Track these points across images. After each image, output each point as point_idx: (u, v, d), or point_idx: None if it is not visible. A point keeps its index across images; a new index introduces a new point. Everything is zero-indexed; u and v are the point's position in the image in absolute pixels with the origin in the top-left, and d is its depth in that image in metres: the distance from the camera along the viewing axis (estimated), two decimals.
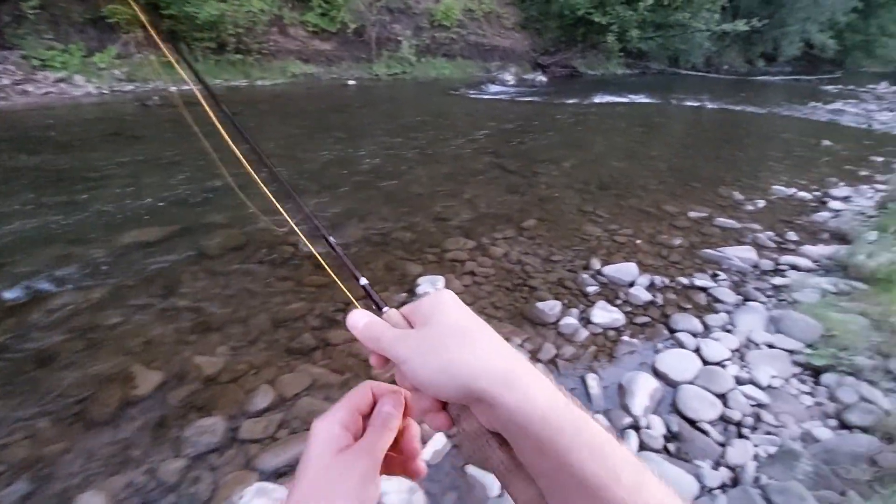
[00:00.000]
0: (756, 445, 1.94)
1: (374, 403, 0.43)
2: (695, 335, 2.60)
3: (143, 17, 0.96)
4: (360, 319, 0.42)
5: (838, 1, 21.37)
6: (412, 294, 2.97)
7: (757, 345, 2.50)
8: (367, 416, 0.42)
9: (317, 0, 12.70)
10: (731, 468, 1.84)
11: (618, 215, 4.46)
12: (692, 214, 4.50)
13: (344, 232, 3.91)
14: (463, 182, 5.27)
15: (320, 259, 0.60)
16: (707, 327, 2.71)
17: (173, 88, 10.41)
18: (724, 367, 2.34)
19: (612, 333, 2.67)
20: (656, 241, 3.90)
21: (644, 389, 2.15)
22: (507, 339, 0.39)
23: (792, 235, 4.10)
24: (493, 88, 13.42)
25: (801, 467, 1.73)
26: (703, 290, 3.15)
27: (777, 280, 3.29)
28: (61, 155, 5.54)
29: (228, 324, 2.69)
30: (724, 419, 2.05)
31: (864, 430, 2.01)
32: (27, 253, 3.32)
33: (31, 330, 2.56)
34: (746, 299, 3.03)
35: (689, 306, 2.98)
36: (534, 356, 2.51)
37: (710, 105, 12.07)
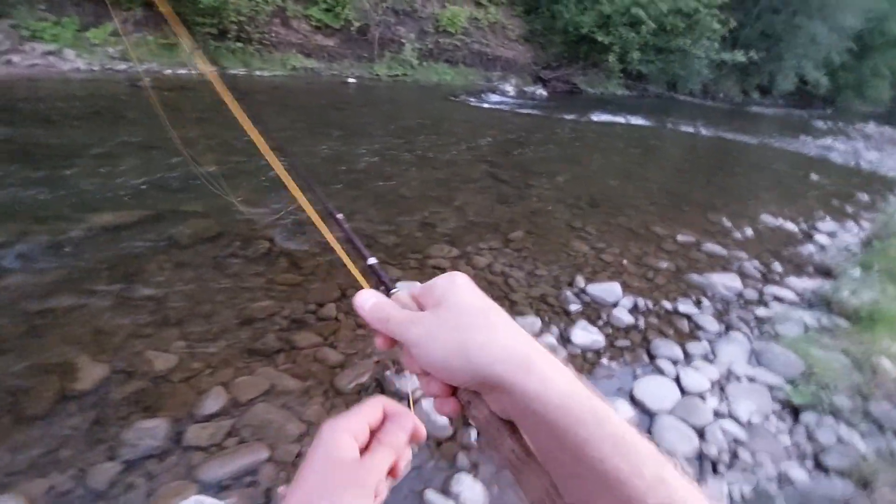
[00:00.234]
0: (731, 484, 1.85)
1: (383, 420, 0.42)
2: (675, 363, 2.52)
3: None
4: (367, 299, 0.41)
5: (834, 41, 21.86)
6: None
7: (738, 377, 2.42)
8: (374, 431, 0.41)
9: None
10: None
11: (606, 233, 4.39)
12: (680, 238, 4.45)
13: (331, 226, 3.77)
14: (454, 189, 5.17)
15: (329, 235, 0.57)
16: (688, 355, 2.63)
17: (168, 71, 10.25)
18: (703, 398, 2.25)
19: (590, 355, 2.58)
20: (643, 263, 3.84)
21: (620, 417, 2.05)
22: None
23: (777, 266, 4.07)
24: (494, 98, 13.40)
25: None
26: (687, 316, 3.08)
27: (761, 311, 3.23)
28: (39, 128, 5.34)
29: (189, 318, 2.54)
30: (700, 454, 1.96)
31: (841, 473, 1.94)
32: None
33: None
34: (729, 328, 2.97)
35: (671, 332, 2.90)
36: None
37: (704, 131, 12.17)
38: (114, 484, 1.62)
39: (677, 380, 2.37)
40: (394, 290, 0.43)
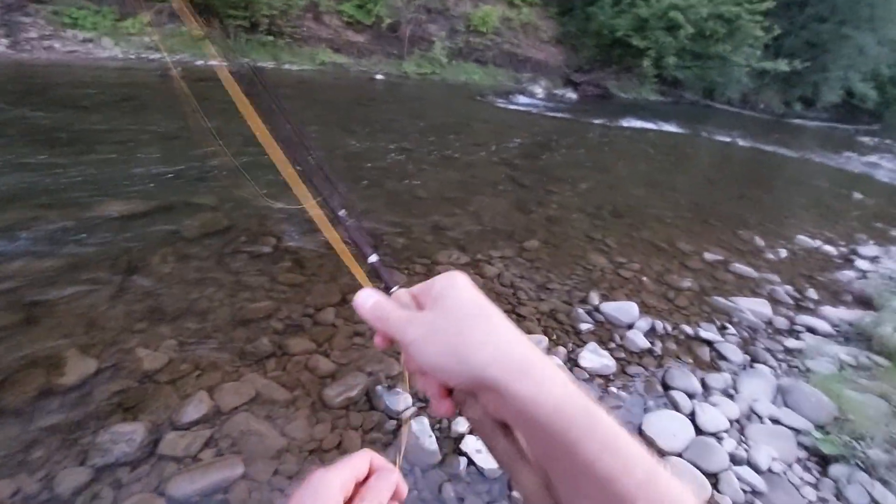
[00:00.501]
0: None
1: (370, 474, 0.43)
2: (692, 396, 2.32)
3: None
4: (367, 299, 0.41)
5: (883, 52, 20.71)
6: None
7: (760, 418, 2.21)
8: (359, 484, 0.42)
9: None
10: None
11: (627, 247, 4.18)
12: (707, 256, 4.20)
13: (339, 227, 3.69)
14: (472, 192, 5.03)
15: (330, 232, 0.57)
16: (707, 388, 2.43)
17: (199, 62, 10.42)
18: (720, 439, 2.06)
19: (599, 381, 2.41)
20: (664, 281, 3.62)
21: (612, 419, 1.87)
22: None
23: (812, 293, 3.78)
24: (522, 100, 13.17)
25: None
26: (708, 343, 2.86)
27: (791, 342, 2.98)
28: (65, 113, 5.43)
29: (185, 315, 2.48)
30: None
31: None
32: None
33: None
34: (754, 360, 2.74)
35: (689, 360, 2.69)
36: None
37: (741, 142, 11.66)
38: (79, 492, 1.55)
39: (692, 416, 2.17)
40: (394, 289, 0.43)
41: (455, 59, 14.99)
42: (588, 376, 2.42)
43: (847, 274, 4.33)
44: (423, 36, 14.37)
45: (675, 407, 2.24)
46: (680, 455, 1.95)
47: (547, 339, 2.64)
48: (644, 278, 3.60)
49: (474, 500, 1.70)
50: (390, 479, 0.42)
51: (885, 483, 1.86)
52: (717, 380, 2.48)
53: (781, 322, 3.23)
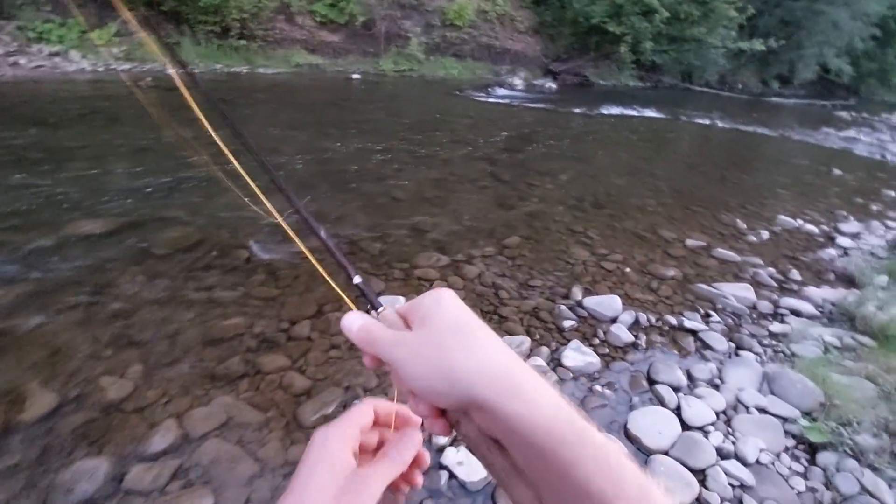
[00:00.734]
0: None
1: (376, 421, 0.43)
2: (677, 390, 2.28)
3: None
4: (354, 322, 0.41)
5: (857, 27, 20.90)
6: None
7: (746, 408, 2.18)
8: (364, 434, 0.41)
9: None
10: None
11: (609, 238, 4.14)
12: (689, 242, 4.18)
13: (311, 237, 3.59)
14: (450, 190, 4.96)
15: (309, 255, 0.55)
16: (692, 380, 2.40)
17: (171, 70, 10.19)
18: (706, 433, 2.02)
19: (583, 380, 2.36)
20: (647, 271, 3.59)
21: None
22: None
23: (795, 274, 3.78)
24: (501, 92, 13.09)
25: None
26: (693, 333, 2.83)
27: (775, 326, 2.97)
28: (34, 131, 5.26)
29: (154, 338, 2.39)
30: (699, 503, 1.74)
31: None
32: None
33: None
34: (739, 348, 2.72)
35: (674, 352, 2.66)
36: None
37: (720, 124, 11.71)
38: None
39: (678, 410, 2.13)
40: (381, 309, 0.42)
41: (432, 54, 14.85)
42: (572, 375, 2.37)
43: (829, 252, 4.34)
44: (399, 32, 14.20)
45: (661, 402, 2.21)
46: (666, 453, 1.91)
47: (530, 339, 2.59)
48: (627, 269, 3.57)
49: None
50: (414, 438, 0.42)
51: (874, 469, 1.84)
52: (703, 370, 2.45)
53: (765, 306, 3.22)
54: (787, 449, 1.99)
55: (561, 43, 16.68)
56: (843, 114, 16.62)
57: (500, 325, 2.75)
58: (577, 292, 3.12)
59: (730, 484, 1.79)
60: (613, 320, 2.84)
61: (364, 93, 11.06)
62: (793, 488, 1.81)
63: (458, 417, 0.36)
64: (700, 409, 2.13)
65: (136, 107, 6.87)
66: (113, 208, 3.73)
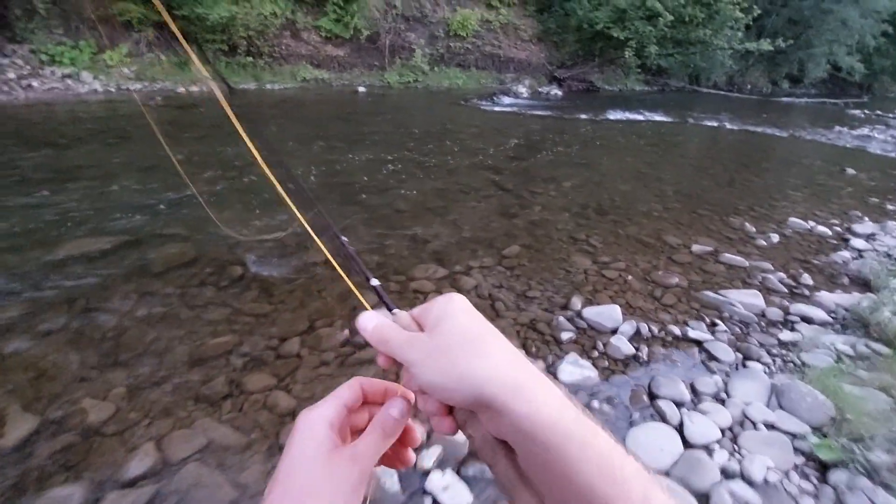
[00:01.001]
0: None
1: (363, 400, 0.43)
2: (680, 405, 2.17)
3: (165, 17, 0.95)
4: (370, 321, 0.42)
5: (867, 24, 20.55)
6: (354, 334, 2.60)
7: (753, 424, 2.06)
8: (353, 413, 0.42)
9: (331, 6, 12.55)
10: None
11: (612, 245, 4.04)
12: (696, 248, 4.06)
13: (308, 251, 3.56)
14: (452, 200, 4.91)
15: (332, 260, 0.60)
16: (696, 394, 2.28)
17: (181, 89, 10.39)
18: (710, 452, 1.91)
19: (580, 395, 2.26)
20: (650, 279, 3.47)
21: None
22: None
23: (807, 279, 3.63)
24: (506, 100, 13.09)
25: None
26: (698, 343, 2.71)
27: (785, 335, 2.83)
28: (43, 153, 5.36)
29: (140, 357, 2.36)
30: None
31: None
32: None
33: None
34: (746, 358, 2.59)
35: (677, 364, 2.55)
36: None
37: (729, 125, 11.52)
38: None
39: (681, 427, 2.03)
40: (395, 311, 0.44)
41: (437, 65, 14.94)
42: (569, 391, 2.27)
43: (843, 255, 4.18)
44: (403, 45, 14.32)
45: (663, 418, 2.10)
46: (667, 473, 1.81)
47: (525, 352, 2.50)
48: (629, 277, 3.46)
49: None
50: (405, 406, 0.41)
51: (887, 488, 1.71)
52: (707, 384, 2.33)
53: (775, 313, 3.08)
54: (796, 467, 1.86)
55: (565, 50, 16.67)
56: (857, 112, 16.28)
57: None
58: (576, 302, 3.02)
59: None
60: (614, 331, 2.74)
61: (370, 105, 11.13)
62: None
63: (465, 417, 0.37)
64: (704, 425, 2.02)
65: (146, 126, 6.98)
66: (115, 226, 3.75)
